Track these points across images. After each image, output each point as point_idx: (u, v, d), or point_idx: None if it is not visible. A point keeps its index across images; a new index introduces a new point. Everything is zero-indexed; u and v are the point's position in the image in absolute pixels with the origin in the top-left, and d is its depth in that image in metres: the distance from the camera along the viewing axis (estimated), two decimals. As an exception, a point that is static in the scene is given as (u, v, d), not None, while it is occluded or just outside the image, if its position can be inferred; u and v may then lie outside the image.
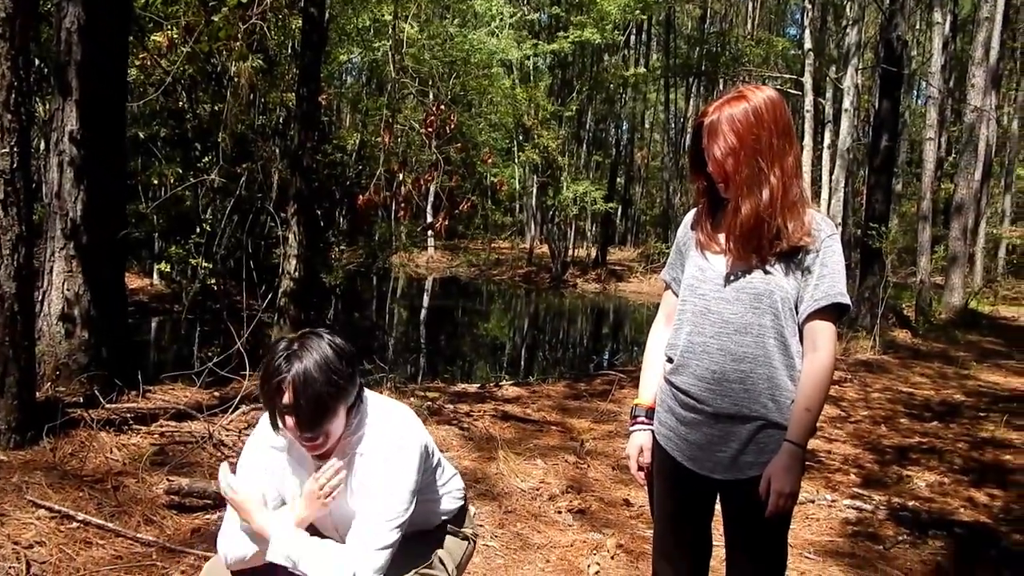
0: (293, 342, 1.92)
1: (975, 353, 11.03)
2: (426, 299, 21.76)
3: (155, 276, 13.32)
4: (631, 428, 2.27)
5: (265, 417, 2.02)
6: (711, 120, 1.98)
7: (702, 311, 2.05)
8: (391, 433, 2.03)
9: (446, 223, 6.88)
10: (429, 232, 23.37)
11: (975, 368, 9.91)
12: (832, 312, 1.97)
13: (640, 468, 2.24)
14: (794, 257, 1.97)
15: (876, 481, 5.09)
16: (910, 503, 4.65)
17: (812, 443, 5.84)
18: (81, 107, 5.16)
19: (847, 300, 1.96)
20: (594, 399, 6.75)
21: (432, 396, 6.15)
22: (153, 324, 11.73)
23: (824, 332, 1.97)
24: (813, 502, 4.56)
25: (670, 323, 2.21)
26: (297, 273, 6.32)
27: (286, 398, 1.86)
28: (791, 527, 4.11)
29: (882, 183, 12.90)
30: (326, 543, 1.98)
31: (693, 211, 2.20)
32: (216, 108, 7.73)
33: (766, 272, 1.98)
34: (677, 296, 2.18)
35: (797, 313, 1.99)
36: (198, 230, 8.35)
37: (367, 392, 2.09)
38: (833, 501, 4.59)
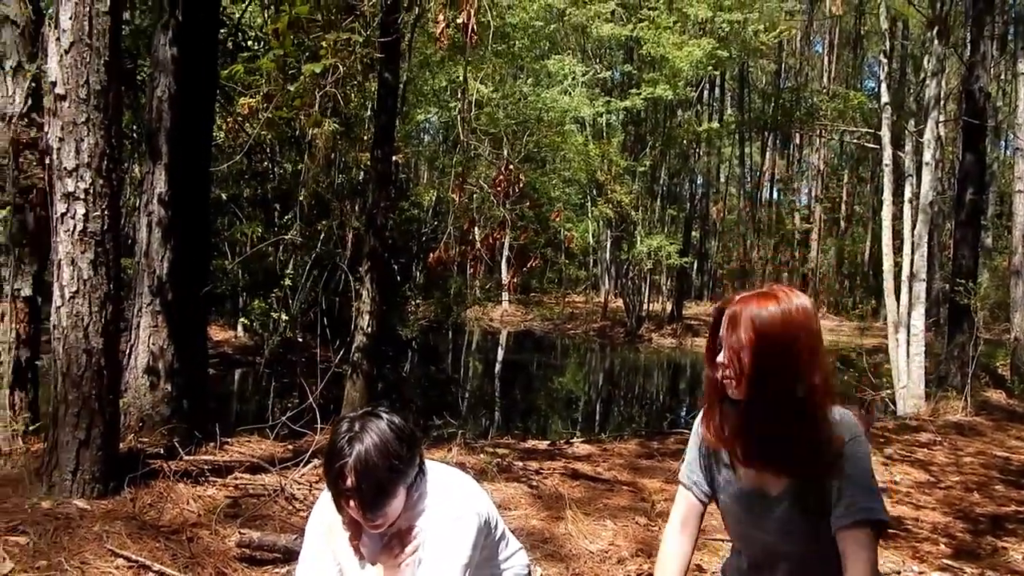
0: (354, 423, 1.97)
1: (1077, 415, 10.40)
2: (500, 353, 21.82)
3: (239, 328, 13.78)
4: None
5: (326, 494, 2.07)
6: (733, 311, 1.81)
7: (740, 536, 1.94)
8: (450, 507, 2.06)
9: (515, 280, 6.93)
10: (502, 287, 23.57)
11: (1077, 432, 9.34)
12: (864, 525, 1.74)
13: None
14: (817, 469, 1.78)
15: (968, 552, 4.80)
16: (1006, 577, 4.37)
17: (898, 510, 5.59)
18: (170, 171, 5.45)
19: (877, 512, 1.74)
20: (667, 458, 6.60)
21: (502, 453, 6.13)
22: (236, 375, 12.09)
23: (855, 549, 1.73)
24: (899, 574, 4.33)
25: (685, 531, 2.00)
26: (370, 328, 6.44)
27: (348, 483, 1.92)
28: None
29: (968, 237, 12.46)
30: None
31: (704, 410, 1.99)
32: (296, 169, 8.06)
33: (788, 490, 1.81)
34: (695, 499, 2.00)
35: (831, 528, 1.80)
36: (281, 285, 8.64)
37: (430, 464, 2.13)
38: (921, 572, 4.35)
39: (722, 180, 40.81)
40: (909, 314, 10.71)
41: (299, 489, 4.49)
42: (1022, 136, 15.00)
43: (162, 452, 4.65)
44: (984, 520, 5.48)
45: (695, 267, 32.89)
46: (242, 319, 12.45)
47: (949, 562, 4.57)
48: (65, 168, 3.90)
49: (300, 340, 9.79)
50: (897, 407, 10.55)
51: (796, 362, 1.74)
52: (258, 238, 8.14)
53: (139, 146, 8.38)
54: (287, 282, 8.83)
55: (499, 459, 5.81)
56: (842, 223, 37.57)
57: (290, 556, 3.67)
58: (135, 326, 5.41)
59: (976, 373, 11.28)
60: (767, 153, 36.37)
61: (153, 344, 5.36)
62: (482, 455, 5.90)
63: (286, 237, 7.01)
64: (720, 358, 1.82)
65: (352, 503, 1.95)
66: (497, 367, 18.80)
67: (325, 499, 2.12)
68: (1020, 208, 14.85)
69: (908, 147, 12.59)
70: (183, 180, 5.53)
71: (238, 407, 9.77)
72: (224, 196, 8.75)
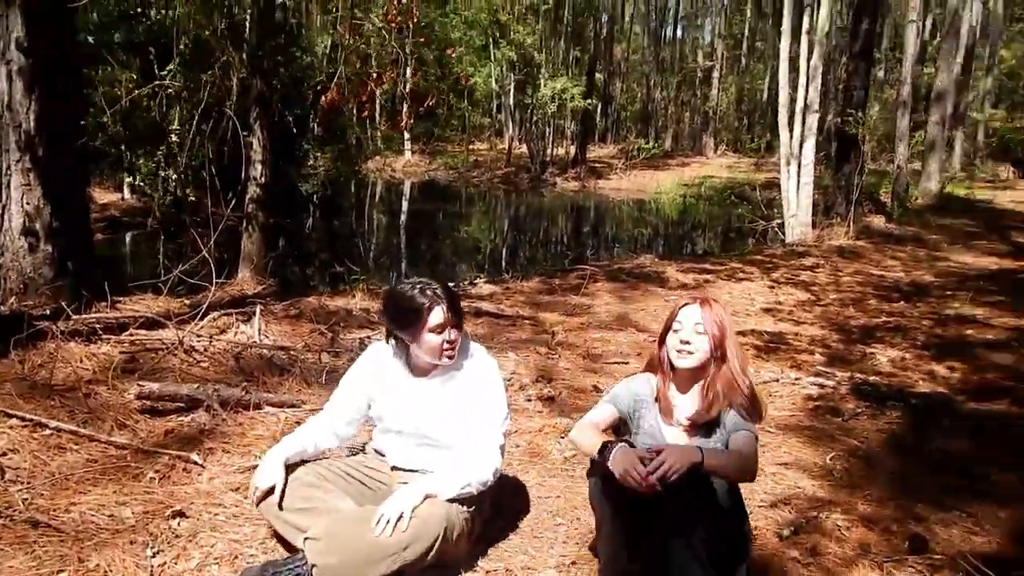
0: (415, 284, 2.47)
1: (948, 236, 11.15)
2: (405, 204, 21.61)
3: (126, 190, 13.12)
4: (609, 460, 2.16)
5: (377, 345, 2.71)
6: (708, 304, 2.39)
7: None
8: (487, 359, 2.65)
9: (411, 120, 6.75)
10: (405, 133, 22.94)
11: (947, 250, 10.04)
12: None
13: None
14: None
15: (840, 359, 5.21)
16: (872, 378, 4.78)
17: (780, 327, 5.96)
18: (26, 13, 4.97)
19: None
20: (567, 293, 6.81)
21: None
22: (127, 239, 11.63)
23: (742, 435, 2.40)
24: (778, 380, 4.67)
25: (597, 432, 2.40)
26: (263, 179, 6.22)
27: (440, 291, 2.45)
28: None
29: (860, 69, 12.71)
30: (455, 466, 2.48)
31: (645, 378, 2.51)
32: (173, 12, 7.45)
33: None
34: (616, 414, 2.49)
35: None
36: (167, 141, 8.16)
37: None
38: (797, 379, 4.71)
39: (627, 19, 40.04)
40: (801, 146, 11.03)
41: (198, 341, 4.45)
42: (914, -36, 15.11)
43: (48, 313, 4.50)
44: (856, 331, 5.93)
45: (599, 110, 32.73)
46: (128, 179, 11.80)
47: (823, 368, 4.96)
48: None
49: (193, 199, 9.42)
50: (786, 235, 11.06)
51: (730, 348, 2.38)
52: (135, 86, 7.59)
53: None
54: (174, 138, 8.35)
55: (403, 302, 5.87)
56: (743, 60, 37.72)
57: (193, 404, 3.69)
58: (6, 185, 5.09)
59: (860, 200, 11.85)
60: (670, -10, 35.69)
61: (28, 204, 5.07)
62: (386, 299, 5.95)
63: (165, 83, 6.56)
64: (685, 335, 2.36)
65: (444, 306, 2.44)
66: (402, 218, 18.66)
67: (377, 347, 2.70)
68: (911, 40, 15.19)
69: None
70: (42, 23, 5.07)
71: (131, 269, 9.45)
72: (91, 40, 7.99)
